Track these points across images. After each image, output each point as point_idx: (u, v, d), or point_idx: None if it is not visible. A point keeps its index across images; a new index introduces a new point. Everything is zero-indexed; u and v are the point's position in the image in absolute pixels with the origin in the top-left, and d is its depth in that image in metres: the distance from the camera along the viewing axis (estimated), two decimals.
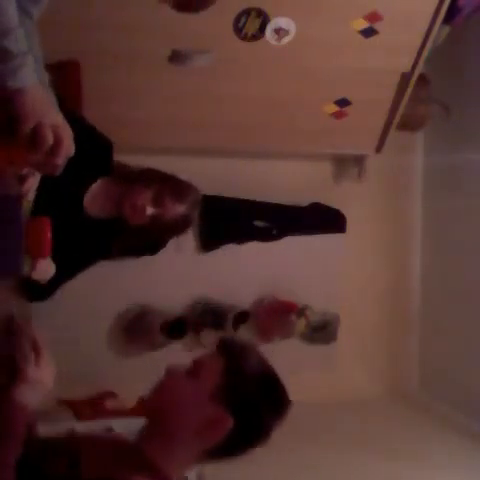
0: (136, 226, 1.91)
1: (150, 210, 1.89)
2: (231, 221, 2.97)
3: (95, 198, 1.94)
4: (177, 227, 2.00)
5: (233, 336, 1.31)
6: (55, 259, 1.58)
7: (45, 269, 1.51)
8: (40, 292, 1.89)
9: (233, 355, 1.24)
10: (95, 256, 2.02)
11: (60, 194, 1.73)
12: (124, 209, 1.89)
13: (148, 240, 2.02)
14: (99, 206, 1.94)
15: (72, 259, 1.83)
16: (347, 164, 3.12)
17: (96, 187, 1.95)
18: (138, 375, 2.82)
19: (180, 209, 1.95)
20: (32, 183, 1.44)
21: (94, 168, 1.93)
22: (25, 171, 1.40)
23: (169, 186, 1.96)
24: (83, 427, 2.53)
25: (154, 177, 1.96)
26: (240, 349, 1.27)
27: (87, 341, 2.78)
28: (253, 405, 1.21)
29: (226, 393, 1.19)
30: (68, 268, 1.85)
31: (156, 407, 1.25)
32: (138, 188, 1.91)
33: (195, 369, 1.23)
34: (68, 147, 1.18)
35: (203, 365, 1.23)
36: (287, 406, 1.25)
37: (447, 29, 2.67)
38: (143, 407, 1.28)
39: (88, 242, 1.92)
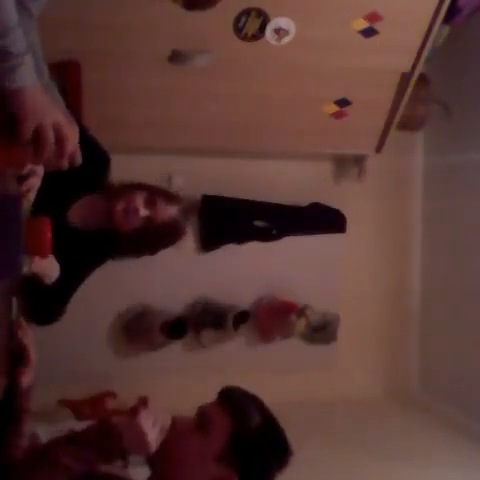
0: (128, 233, 1.87)
1: (143, 212, 1.85)
2: (231, 221, 2.97)
3: (79, 211, 1.92)
4: (169, 233, 1.94)
5: (235, 387, 1.32)
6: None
7: (45, 266, 1.50)
8: (45, 316, 1.87)
9: (238, 413, 1.25)
10: (89, 267, 1.98)
11: (50, 199, 1.71)
12: (115, 215, 1.84)
13: (142, 247, 1.98)
14: (83, 218, 1.91)
15: (66, 273, 1.79)
16: (347, 164, 3.12)
17: (82, 201, 1.93)
18: (138, 375, 2.83)
19: (172, 211, 1.91)
20: (34, 183, 1.44)
21: (87, 181, 1.90)
22: (26, 171, 1.40)
23: (157, 189, 1.94)
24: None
25: (142, 185, 1.94)
26: (244, 405, 1.27)
27: (87, 341, 2.78)
28: (259, 463, 1.23)
29: (233, 454, 1.21)
30: (65, 284, 1.81)
31: (162, 463, 1.24)
32: (128, 193, 1.87)
33: (203, 426, 1.23)
34: (72, 144, 1.17)
35: (210, 421, 1.23)
36: (290, 456, 1.27)
37: (447, 29, 2.67)
38: (148, 458, 1.28)
39: (77, 254, 1.88)
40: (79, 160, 1.23)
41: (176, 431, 1.24)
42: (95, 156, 1.87)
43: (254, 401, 1.30)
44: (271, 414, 1.29)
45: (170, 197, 1.93)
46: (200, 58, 2.41)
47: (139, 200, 1.86)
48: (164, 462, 1.23)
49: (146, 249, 1.98)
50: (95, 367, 2.75)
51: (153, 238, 1.92)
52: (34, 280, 1.49)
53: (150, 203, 1.87)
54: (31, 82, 1.11)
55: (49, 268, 1.53)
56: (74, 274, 1.90)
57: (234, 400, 1.28)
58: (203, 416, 1.25)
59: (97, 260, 1.98)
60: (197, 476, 1.21)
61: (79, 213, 1.90)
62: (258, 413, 1.27)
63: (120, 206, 1.84)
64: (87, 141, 1.66)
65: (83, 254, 1.90)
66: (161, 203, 1.88)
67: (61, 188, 1.72)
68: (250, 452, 1.22)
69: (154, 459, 1.25)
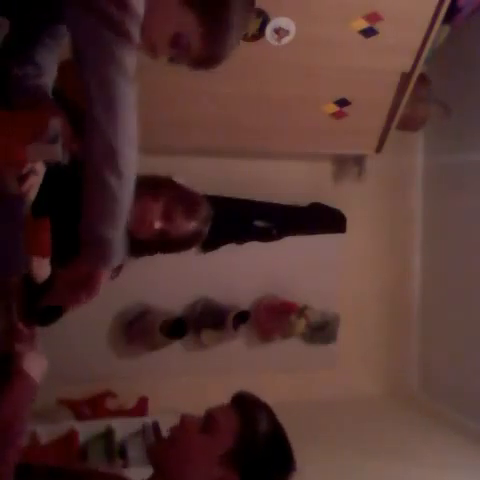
0: (141, 240, 1.79)
1: (158, 225, 1.73)
2: (231, 221, 2.96)
3: None
4: (185, 243, 1.83)
5: (248, 392, 1.33)
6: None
7: (43, 266, 1.50)
8: (43, 318, 1.82)
9: (247, 417, 1.25)
10: None
11: (61, 198, 1.68)
12: (130, 222, 1.78)
13: (150, 252, 1.90)
14: None
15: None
16: (347, 164, 3.12)
17: None
18: (138, 375, 2.83)
19: (190, 226, 1.78)
20: (34, 182, 1.43)
21: None
22: (26, 170, 1.40)
23: (180, 199, 1.79)
24: (83, 427, 2.53)
25: (162, 186, 1.79)
26: (254, 410, 1.27)
27: (87, 341, 2.78)
28: (263, 470, 1.23)
29: (237, 457, 1.21)
30: None
31: (166, 459, 1.24)
32: (146, 200, 1.72)
33: (210, 426, 1.23)
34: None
35: (218, 423, 1.23)
36: (294, 467, 1.27)
37: (447, 29, 2.67)
38: (152, 454, 1.29)
39: None
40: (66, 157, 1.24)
41: (183, 428, 1.24)
42: None
43: (265, 409, 1.30)
44: (280, 425, 1.29)
45: (191, 209, 1.79)
46: None
47: (155, 212, 1.73)
48: (169, 458, 1.23)
49: (154, 253, 1.90)
50: (95, 367, 2.74)
51: (165, 248, 1.82)
52: (27, 280, 1.48)
53: (168, 217, 1.74)
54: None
55: (45, 268, 1.53)
56: None
57: (245, 404, 1.28)
58: (210, 416, 1.25)
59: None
60: (200, 474, 1.21)
61: None
62: (267, 420, 1.27)
63: (135, 214, 1.74)
64: None
65: None
66: (181, 218, 1.76)
67: (72, 185, 1.70)
68: (254, 457, 1.22)
69: (158, 456, 1.26)
